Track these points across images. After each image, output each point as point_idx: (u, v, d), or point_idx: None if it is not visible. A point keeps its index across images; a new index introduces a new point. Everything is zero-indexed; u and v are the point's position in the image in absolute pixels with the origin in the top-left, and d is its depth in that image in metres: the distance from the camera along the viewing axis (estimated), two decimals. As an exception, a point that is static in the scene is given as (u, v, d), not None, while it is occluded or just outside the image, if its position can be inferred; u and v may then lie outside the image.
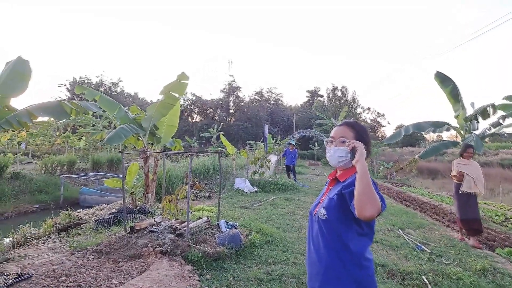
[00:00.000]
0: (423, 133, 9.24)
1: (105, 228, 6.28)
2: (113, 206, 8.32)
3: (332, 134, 2.04)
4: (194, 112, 54.02)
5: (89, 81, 47.79)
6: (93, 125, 25.90)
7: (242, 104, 53.51)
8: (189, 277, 4.40)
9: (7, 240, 6.46)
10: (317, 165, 28.39)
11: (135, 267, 4.51)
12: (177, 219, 6.29)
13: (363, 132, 2.02)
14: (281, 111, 52.80)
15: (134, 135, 8.51)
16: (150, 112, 8.61)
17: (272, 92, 55.57)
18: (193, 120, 52.65)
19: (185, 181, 8.92)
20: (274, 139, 26.45)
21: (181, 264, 4.74)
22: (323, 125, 34.34)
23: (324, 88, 58.97)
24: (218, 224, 6.08)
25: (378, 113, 49.96)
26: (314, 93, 57.85)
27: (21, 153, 22.20)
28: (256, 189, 11.90)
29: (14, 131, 17.13)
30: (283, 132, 44.27)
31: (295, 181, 14.48)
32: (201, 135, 38.69)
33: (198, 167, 13.22)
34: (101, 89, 45.22)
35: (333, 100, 52.78)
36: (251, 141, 29.51)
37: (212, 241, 5.41)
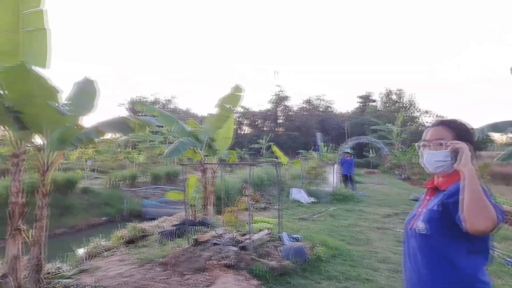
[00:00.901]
0: (501, 134, 8.31)
1: (169, 240, 6.38)
2: (175, 218, 8.51)
3: (425, 136, 1.80)
4: (244, 124, 54.79)
5: (145, 99, 50.69)
6: (151, 141, 27.29)
7: (291, 113, 53.17)
8: (257, 292, 4.27)
9: (81, 251, 6.83)
10: (374, 173, 27.15)
11: (201, 280, 4.47)
12: (239, 231, 6.21)
13: (465, 132, 1.74)
14: (331, 119, 51.59)
15: (192, 148, 8.68)
16: (206, 125, 8.76)
17: (321, 100, 54.60)
18: (243, 132, 53.39)
19: (243, 192, 8.92)
20: (326, 147, 25.81)
21: (247, 278, 4.61)
22: (378, 131, 32.88)
23: (377, 92, 56.44)
24: (279, 236, 5.90)
25: (437, 115, 46.68)
26: (366, 98, 55.78)
27: (88, 169, 23.94)
28: (313, 200, 11.55)
29: (82, 148, 18.51)
30: (334, 140, 43.16)
31: (353, 190, 13.88)
32: (250, 146, 39.03)
33: (253, 178, 13.19)
34: (156, 106, 47.72)
35: (387, 105, 50.43)
36: (301, 151, 29.08)
37: (275, 254, 5.24)
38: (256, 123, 54.43)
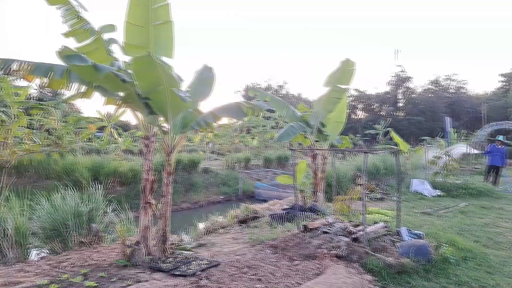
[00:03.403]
0: None
1: (278, 223, 6.45)
2: (285, 202, 8.58)
3: None
4: (358, 108, 52.11)
5: (258, 86, 52.80)
6: (263, 126, 28.35)
7: (413, 95, 48.12)
8: (370, 288, 3.93)
9: (201, 226, 7.48)
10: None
11: (311, 268, 4.34)
12: (351, 221, 5.86)
13: None
14: (464, 101, 44.77)
15: (301, 133, 8.54)
16: (316, 109, 8.48)
17: (451, 80, 47.76)
18: (357, 117, 50.87)
19: (356, 180, 8.43)
20: (457, 134, 22.48)
21: (359, 272, 4.30)
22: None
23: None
24: (398, 231, 5.32)
25: None
26: (511, 77, 46.50)
27: (209, 151, 26.33)
28: (440, 193, 10.19)
29: (203, 132, 20.33)
30: (467, 125, 37.35)
31: (493, 184, 11.77)
32: (365, 132, 36.90)
33: (368, 166, 12.37)
34: (268, 92, 49.27)
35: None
36: (425, 137, 26.08)
37: (393, 250, 4.75)
38: (372, 107, 51.08)
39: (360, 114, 52.19)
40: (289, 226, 6.25)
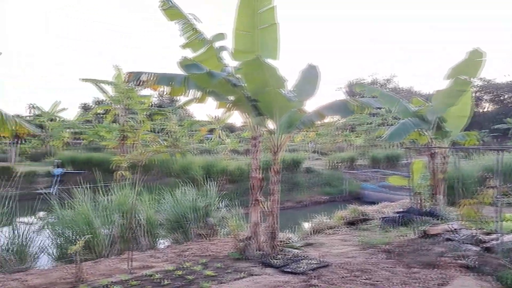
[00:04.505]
0: None
1: (391, 227, 6.01)
2: (397, 205, 7.96)
3: None
4: (484, 100, 45.19)
5: (363, 81, 50.34)
6: (368, 123, 26.86)
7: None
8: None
9: (306, 225, 7.45)
10: None
11: (432, 277, 3.91)
12: (480, 228, 5.09)
13: None
14: None
15: (416, 129, 7.77)
16: (434, 103, 7.62)
17: None
18: (483, 110, 44.17)
19: (485, 183, 7.26)
20: None
21: (493, 286, 3.70)
22: None
23: None
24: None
25: None
26: None
27: (310, 150, 26.19)
28: None
29: (305, 131, 20.31)
30: None
31: None
32: (493, 127, 31.81)
33: (501, 166, 10.55)
34: (374, 86, 46.49)
35: None
36: None
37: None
38: (502, 98, 43.73)
39: (487, 107, 45.25)
40: (403, 230, 5.77)
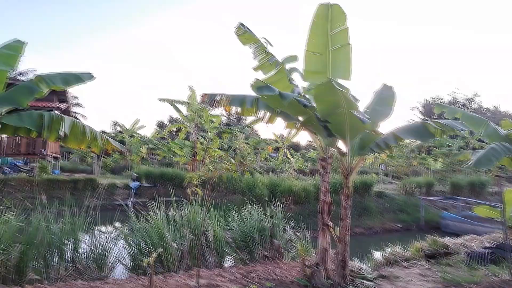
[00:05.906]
0: None
1: (479, 265, 5.31)
2: (486, 239, 7.04)
3: None
4: None
5: (441, 100, 46.75)
6: (448, 146, 24.59)
7: None
8: None
9: (377, 254, 6.94)
10: None
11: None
12: None
13: None
14: None
15: (508, 156, 6.89)
16: (532, 124, 6.71)
17: None
18: None
19: None
20: None
21: None
22: None
23: None
24: None
25: None
26: None
27: (382, 173, 24.71)
28: None
29: (377, 153, 19.31)
30: None
31: None
32: None
33: None
34: (454, 106, 42.76)
35: None
36: None
37: None
38: None
39: None
40: (494, 269, 5.05)
